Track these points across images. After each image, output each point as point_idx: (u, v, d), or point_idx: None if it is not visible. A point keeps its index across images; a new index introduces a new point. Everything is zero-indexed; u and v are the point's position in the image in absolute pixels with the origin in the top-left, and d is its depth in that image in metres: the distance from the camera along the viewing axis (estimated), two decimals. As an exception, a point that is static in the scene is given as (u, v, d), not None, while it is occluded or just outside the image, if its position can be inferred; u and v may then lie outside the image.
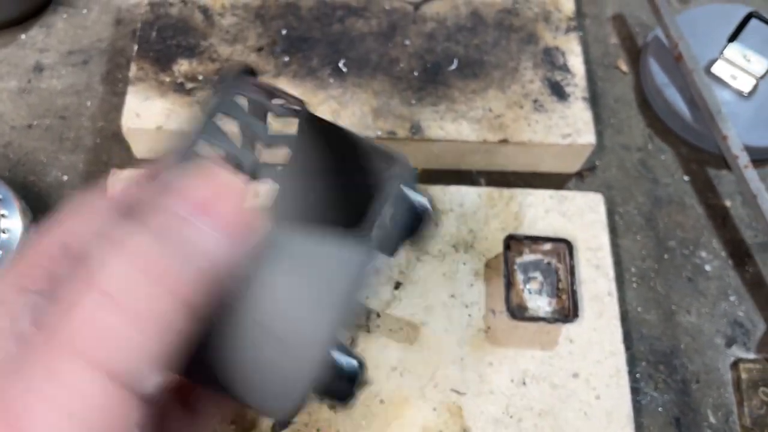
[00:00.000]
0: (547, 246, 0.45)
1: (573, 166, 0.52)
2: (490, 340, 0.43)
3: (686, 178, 0.54)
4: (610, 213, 0.52)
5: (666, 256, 0.50)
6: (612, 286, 0.45)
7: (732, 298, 0.49)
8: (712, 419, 0.45)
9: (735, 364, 0.47)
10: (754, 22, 0.53)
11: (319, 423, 0.40)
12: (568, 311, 0.43)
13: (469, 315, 0.44)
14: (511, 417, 0.41)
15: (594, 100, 0.57)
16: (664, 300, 0.49)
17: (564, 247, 0.45)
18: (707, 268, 0.50)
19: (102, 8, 0.58)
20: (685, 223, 0.52)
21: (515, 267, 0.44)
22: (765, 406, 0.45)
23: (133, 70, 0.50)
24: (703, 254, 0.51)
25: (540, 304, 0.43)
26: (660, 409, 0.45)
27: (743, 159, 0.50)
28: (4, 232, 0.43)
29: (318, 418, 0.40)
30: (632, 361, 0.46)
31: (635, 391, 0.45)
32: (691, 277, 0.50)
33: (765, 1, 0.63)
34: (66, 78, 0.54)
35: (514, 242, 0.45)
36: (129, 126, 0.48)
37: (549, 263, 0.45)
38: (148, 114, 0.48)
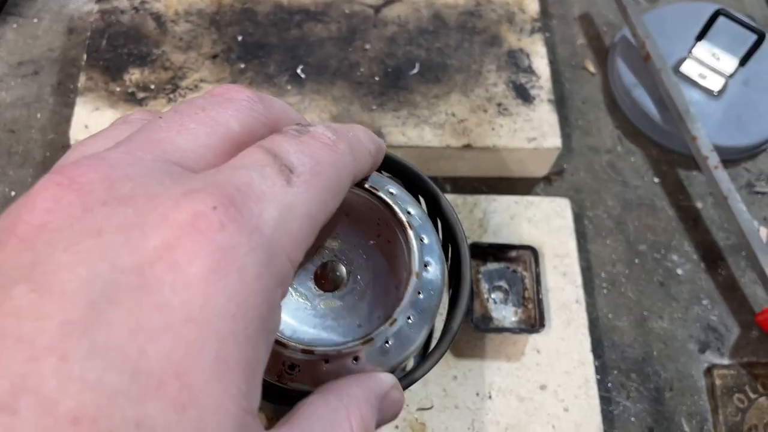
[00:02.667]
0: (512, 253, 0.43)
1: (540, 170, 0.51)
2: (454, 353, 0.41)
3: (656, 179, 0.53)
4: (579, 217, 0.50)
5: (637, 261, 0.49)
6: (580, 294, 0.44)
7: (705, 302, 0.48)
8: (686, 428, 0.44)
9: (709, 371, 0.46)
10: (721, 20, 0.52)
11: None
12: (534, 321, 0.41)
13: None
14: (476, 433, 0.39)
15: (561, 101, 0.55)
16: (635, 306, 0.47)
17: (530, 254, 0.43)
18: (679, 271, 0.49)
19: (53, 17, 0.56)
20: (656, 226, 0.51)
21: (479, 276, 0.43)
22: (740, 413, 0.44)
23: (82, 80, 0.48)
24: (675, 257, 0.50)
25: (505, 314, 0.42)
26: (633, 419, 0.44)
27: (713, 160, 0.49)
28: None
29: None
30: (603, 370, 0.45)
31: (607, 400, 0.44)
32: (662, 282, 0.49)
33: (733, -2, 0.62)
34: (15, 90, 0.52)
35: (477, 250, 0.43)
36: (78, 138, 0.46)
37: (514, 271, 0.43)
38: (98, 125, 0.46)
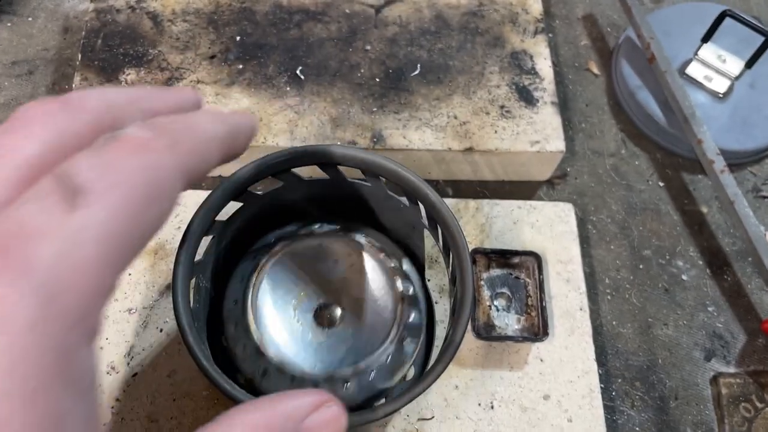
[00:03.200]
0: (515, 259, 0.42)
1: (543, 173, 0.50)
2: (456, 362, 0.40)
3: (661, 183, 0.52)
4: (583, 222, 0.50)
5: (641, 266, 0.48)
6: (584, 301, 0.43)
7: (710, 309, 0.47)
8: (691, 437, 0.43)
9: (715, 379, 0.45)
10: (728, 21, 0.51)
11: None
12: (537, 329, 0.40)
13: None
14: (478, 443, 0.38)
15: (565, 103, 0.54)
16: (639, 312, 0.47)
17: (533, 260, 0.42)
18: (684, 277, 0.48)
19: (48, 16, 0.55)
20: (661, 231, 0.50)
21: (481, 283, 0.42)
22: (747, 422, 0.43)
23: (76, 80, 0.47)
24: (680, 263, 0.49)
25: (508, 321, 0.41)
26: (637, 428, 0.43)
27: (719, 164, 0.48)
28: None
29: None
30: (607, 378, 0.44)
31: (611, 409, 0.43)
32: (667, 288, 0.48)
33: (739, -1, 0.61)
34: (9, 90, 0.51)
35: (479, 256, 0.42)
36: (72, 140, 0.45)
37: (517, 278, 0.42)
38: (93, 127, 0.45)
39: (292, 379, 0.32)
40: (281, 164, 0.32)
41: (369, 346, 0.33)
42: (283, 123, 0.46)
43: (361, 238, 0.35)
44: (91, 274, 0.16)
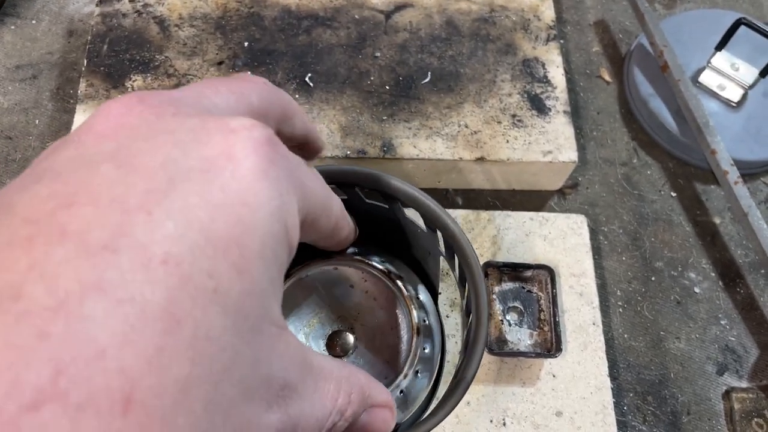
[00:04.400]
0: (528, 273, 0.42)
1: (554, 183, 0.49)
2: (468, 377, 0.40)
3: (673, 194, 0.51)
4: (594, 232, 0.49)
5: (653, 278, 0.48)
6: (597, 316, 0.42)
7: (723, 322, 0.47)
8: (703, 453, 0.42)
9: (727, 394, 0.44)
10: (742, 29, 0.51)
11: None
12: (550, 344, 0.40)
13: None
14: (490, 461, 0.38)
15: (576, 111, 0.54)
16: (651, 325, 0.46)
17: (546, 274, 0.42)
18: (696, 290, 0.48)
19: (53, 18, 0.54)
20: (673, 242, 0.49)
21: (493, 296, 0.41)
22: (759, 437, 0.43)
23: (82, 86, 0.46)
24: (692, 275, 0.48)
25: (520, 336, 0.40)
26: (649, 443, 0.42)
27: (733, 175, 0.47)
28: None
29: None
30: (619, 392, 0.44)
31: (622, 424, 0.43)
32: (679, 300, 0.47)
33: (753, 5, 0.60)
34: (13, 95, 0.50)
35: (491, 269, 0.42)
36: (77, 148, 0.44)
37: (530, 291, 0.42)
38: (99, 135, 0.44)
39: None
40: None
41: (381, 380, 0.32)
42: (292, 131, 0.46)
43: (377, 264, 0.35)
44: (305, 200, 0.20)
